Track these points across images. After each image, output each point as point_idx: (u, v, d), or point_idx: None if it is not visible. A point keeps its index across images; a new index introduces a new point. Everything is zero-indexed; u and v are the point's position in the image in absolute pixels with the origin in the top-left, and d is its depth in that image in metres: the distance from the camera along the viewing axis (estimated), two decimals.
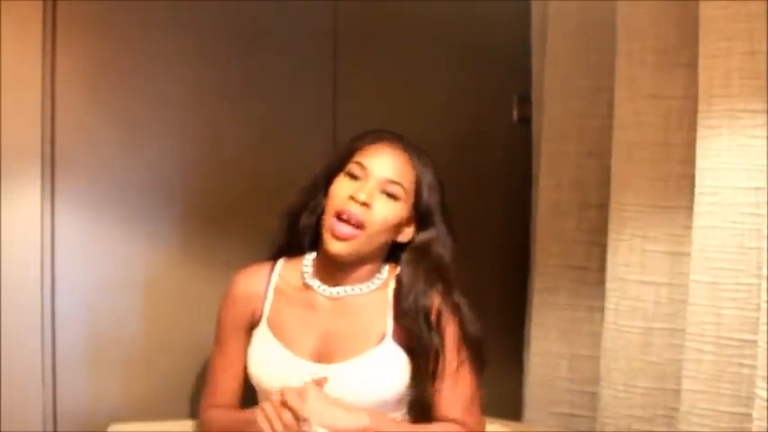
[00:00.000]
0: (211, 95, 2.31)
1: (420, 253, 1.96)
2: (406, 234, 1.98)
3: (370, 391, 1.89)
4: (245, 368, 1.99)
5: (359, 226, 1.89)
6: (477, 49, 2.55)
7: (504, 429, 2.18)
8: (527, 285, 2.50)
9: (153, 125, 2.26)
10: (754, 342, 1.82)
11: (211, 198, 2.31)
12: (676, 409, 1.99)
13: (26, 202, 2.14)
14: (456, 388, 1.92)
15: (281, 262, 2.02)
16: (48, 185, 2.15)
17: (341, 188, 1.92)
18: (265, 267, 2.02)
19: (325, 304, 1.97)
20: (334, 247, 1.90)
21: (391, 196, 1.92)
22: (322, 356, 1.93)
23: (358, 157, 1.94)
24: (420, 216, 1.97)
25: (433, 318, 1.91)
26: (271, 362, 1.94)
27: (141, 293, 2.25)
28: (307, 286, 1.98)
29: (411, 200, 1.95)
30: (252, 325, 2.00)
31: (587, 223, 2.37)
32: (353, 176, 1.92)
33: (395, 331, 1.93)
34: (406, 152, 1.96)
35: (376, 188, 1.91)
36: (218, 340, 2.04)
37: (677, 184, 2.07)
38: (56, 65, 2.15)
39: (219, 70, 2.31)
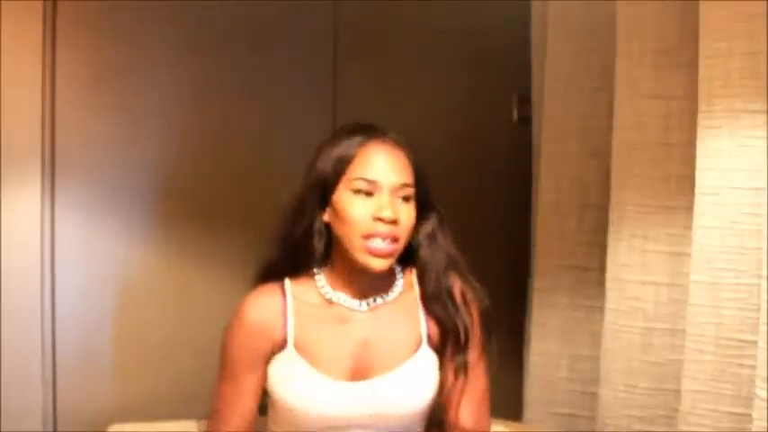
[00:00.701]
0: (211, 95, 2.31)
1: (431, 240, 1.91)
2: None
3: (413, 400, 1.85)
4: (259, 398, 1.87)
5: (394, 241, 1.82)
6: (477, 49, 2.55)
7: (504, 429, 2.18)
8: (527, 285, 2.50)
9: (153, 125, 2.26)
10: (754, 342, 1.81)
11: (211, 198, 2.31)
12: (676, 410, 1.99)
13: (26, 202, 2.14)
14: (476, 394, 1.90)
15: (287, 282, 1.89)
16: (48, 185, 2.16)
17: (359, 210, 1.81)
18: (276, 289, 1.88)
19: (357, 317, 1.88)
20: (377, 264, 1.81)
21: (406, 199, 1.85)
22: (359, 373, 1.85)
23: (359, 170, 1.82)
24: (421, 205, 1.90)
25: (458, 298, 1.89)
26: (304, 387, 1.82)
27: (141, 293, 2.25)
28: (330, 302, 1.88)
29: (414, 194, 1.88)
30: (271, 353, 1.86)
31: (587, 223, 2.37)
32: (365, 192, 1.82)
33: (429, 336, 1.89)
34: (398, 146, 1.87)
35: (393, 199, 1.83)
36: (228, 374, 1.87)
37: (677, 185, 2.07)
38: (56, 65, 2.15)
39: (219, 70, 2.31)
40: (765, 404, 1.71)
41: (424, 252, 1.91)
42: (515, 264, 2.55)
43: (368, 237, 1.80)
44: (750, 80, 1.85)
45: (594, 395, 2.24)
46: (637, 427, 2.12)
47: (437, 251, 1.91)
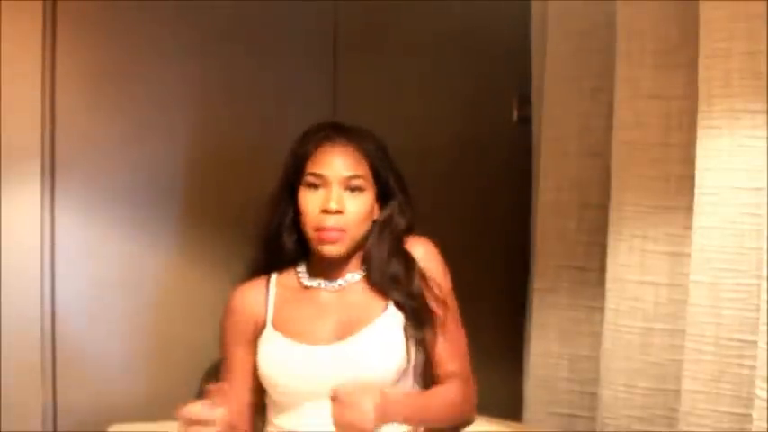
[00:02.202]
0: (211, 95, 2.31)
1: (382, 227, 2.02)
2: (375, 213, 2.02)
3: (384, 355, 1.94)
4: (254, 385, 1.99)
5: (341, 230, 1.95)
6: (478, 50, 2.55)
7: (504, 429, 2.18)
8: (527, 285, 2.50)
9: (153, 125, 2.26)
10: (754, 342, 1.81)
11: (211, 198, 2.31)
12: (676, 410, 1.99)
13: (26, 202, 2.14)
14: (452, 340, 2.01)
15: (273, 275, 2.04)
16: (48, 185, 2.16)
17: (309, 203, 1.96)
18: (261, 280, 2.04)
19: (328, 297, 2.01)
20: (328, 250, 1.96)
21: (356, 189, 1.97)
22: (333, 339, 1.96)
23: (310, 167, 1.97)
24: (381, 193, 2.02)
25: (403, 276, 1.99)
26: (284, 359, 1.96)
27: (141, 293, 2.25)
28: (307, 287, 2.02)
29: (372, 184, 2.00)
30: (256, 335, 2.00)
31: (587, 223, 2.37)
32: (315, 186, 1.96)
33: (396, 302, 1.99)
34: (350, 142, 1.99)
35: (340, 190, 1.96)
36: (223, 356, 2.03)
37: (677, 185, 2.07)
38: (56, 65, 2.15)
39: (220, 70, 2.31)
40: (765, 404, 1.71)
41: (371, 240, 2.02)
42: (515, 264, 2.55)
43: (317, 228, 1.95)
44: (750, 80, 1.85)
45: (594, 395, 2.24)
46: (637, 427, 2.12)
47: (384, 239, 2.02)
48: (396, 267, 2.01)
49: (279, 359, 1.96)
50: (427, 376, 2.02)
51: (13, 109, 2.11)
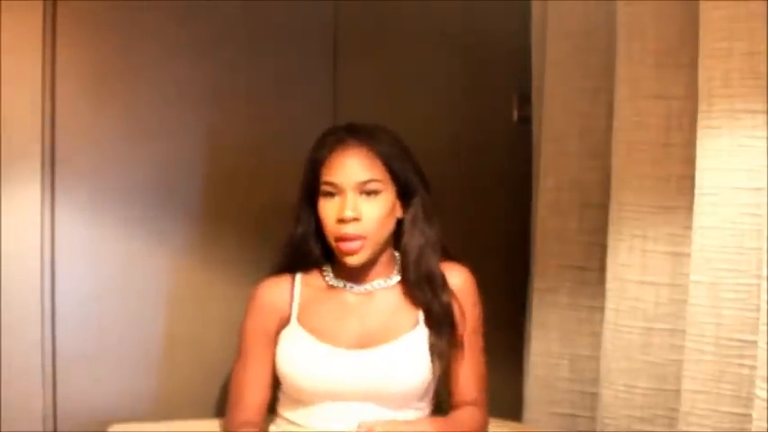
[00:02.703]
0: (211, 95, 2.31)
1: (412, 226, 2.02)
2: (398, 212, 2.03)
3: (407, 373, 1.95)
4: (271, 381, 2.01)
5: (360, 238, 1.95)
6: (477, 49, 2.55)
7: (504, 429, 2.18)
8: (527, 285, 2.50)
9: (153, 125, 2.26)
10: (754, 342, 1.81)
11: (211, 198, 2.31)
12: (676, 410, 1.99)
13: (26, 202, 2.14)
14: (475, 369, 2.05)
15: (298, 274, 2.05)
16: (48, 185, 2.16)
17: (327, 212, 1.96)
18: (286, 277, 2.05)
19: (355, 300, 2.02)
20: (351, 261, 1.97)
21: (373, 193, 1.96)
22: (357, 345, 1.97)
23: (325, 175, 1.97)
24: (402, 192, 2.01)
25: (439, 281, 2.01)
26: (306, 356, 1.96)
27: (141, 293, 2.25)
28: (332, 287, 2.03)
29: (391, 184, 1.99)
30: (279, 331, 2.01)
31: (587, 223, 2.37)
32: (331, 195, 1.96)
33: (427, 318, 2.00)
34: (363, 145, 1.98)
35: (356, 196, 1.95)
36: (243, 353, 2.03)
37: (677, 185, 2.07)
38: (56, 65, 2.15)
39: (220, 70, 2.31)
40: (765, 404, 1.71)
41: (405, 239, 2.02)
42: (515, 264, 2.55)
43: (336, 238, 1.95)
44: (750, 80, 1.85)
45: (594, 395, 2.24)
46: (637, 427, 2.12)
47: (416, 237, 2.02)
48: (432, 265, 2.00)
49: (300, 355, 1.96)
50: (431, 391, 2.03)
51: (13, 109, 2.11)
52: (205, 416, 2.24)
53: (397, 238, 2.05)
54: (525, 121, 2.57)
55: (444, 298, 2.00)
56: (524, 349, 2.49)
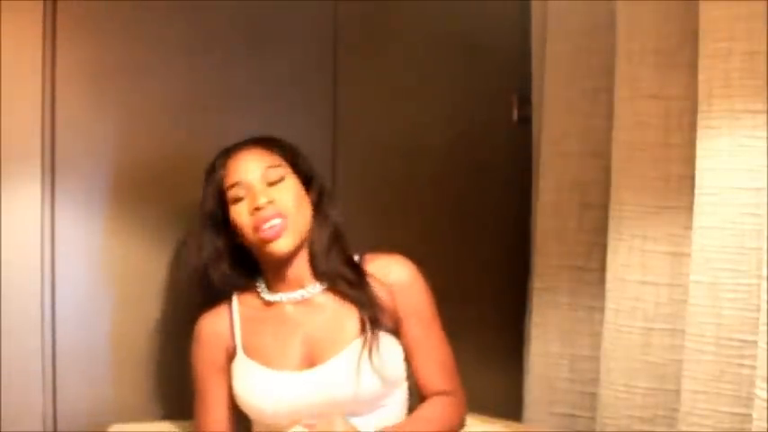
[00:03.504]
0: (212, 95, 2.31)
1: (317, 211, 2.00)
2: (307, 198, 2.00)
3: (354, 387, 1.90)
4: (228, 407, 1.99)
5: (280, 218, 1.92)
6: (477, 50, 2.55)
7: (504, 429, 2.18)
8: (527, 285, 2.50)
9: (153, 125, 2.26)
10: (754, 342, 1.82)
11: None
12: (676, 410, 1.99)
13: (26, 202, 2.14)
14: (437, 358, 1.98)
15: (234, 297, 2.03)
16: (48, 185, 2.16)
17: (239, 213, 1.94)
18: (223, 306, 2.02)
19: (294, 312, 1.98)
20: (278, 247, 1.92)
21: (278, 180, 1.95)
22: (306, 363, 1.93)
23: (227, 182, 1.96)
24: (303, 178, 2.00)
25: (352, 276, 1.96)
26: (257, 385, 1.93)
27: (142, 293, 2.25)
28: (269, 303, 2.00)
29: (291, 170, 1.98)
30: (228, 363, 1.99)
31: (587, 223, 2.37)
32: (239, 199, 1.95)
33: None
34: (254, 145, 1.99)
35: (263, 187, 1.94)
36: (199, 392, 2.02)
37: (677, 185, 2.07)
38: (56, 65, 2.15)
39: (220, 70, 2.31)
40: (765, 404, 1.71)
41: (312, 231, 1.99)
42: (515, 264, 2.55)
43: (257, 230, 1.91)
44: (750, 80, 1.85)
45: (594, 395, 2.24)
46: (637, 427, 2.12)
47: (323, 226, 1.99)
48: (338, 263, 1.96)
49: (253, 386, 1.93)
50: (398, 384, 1.98)
51: (13, 109, 2.11)
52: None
53: None
54: (525, 121, 2.57)
55: (366, 289, 1.95)
56: (524, 349, 2.49)
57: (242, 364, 1.96)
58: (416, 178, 2.49)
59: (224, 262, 2.00)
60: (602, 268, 2.22)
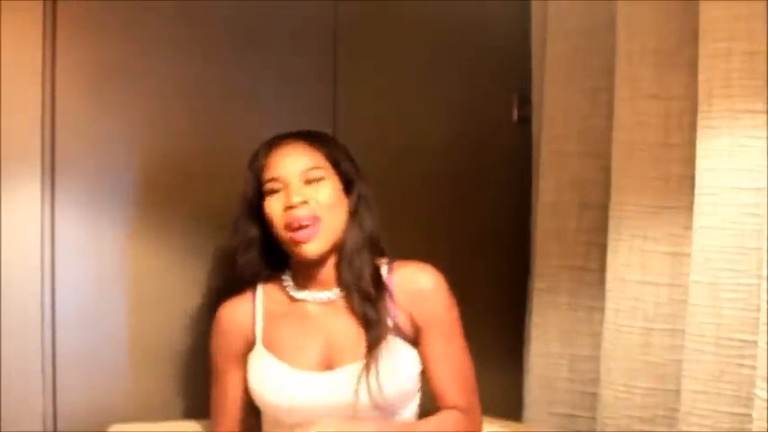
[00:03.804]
0: (212, 95, 2.31)
1: (352, 217, 1.97)
2: (345, 202, 1.98)
3: (384, 390, 1.87)
4: (244, 395, 1.98)
5: (313, 221, 1.90)
6: (478, 49, 2.55)
7: (504, 429, 2.18)
8: (527, 285, 2.50)
9: (153, 124, 2.26)
10: (754, 342, 1.82)
11: (212, 198, 2.31)
12: (676, 410, 1.99)
13: (26, 202, 2.13)
14: (454, 372, 1.95)
15: (259, 287, 2.01)
16: (48, 185, 2.15)
17: (273, 207, 1.93)
18: (247, 295, 2.01)
19: (317, 312, 1.96)
20: (308, 250, 1.91)
21: (316, 180, 1.94)
22: (325, 364, 1.92)
23: (266, 174, 1.94)
24: (344, 180, 1.98)
25: (370, 284, 1.93)
26: (273, 380, 1.91)
27: (142, 293, 2.25)
28: (294, 299, 1.98)
29: (333, 172, 1.96)
30: (246, 352, 1.98)
31: (587, 223, 2.37)
32: (276, 191, 1.93)
33: (398, 327, 1.93)
34: (300, 140, 1.97)
35: (300, 185, 1.92)
36: (216, 375, 2.02)
37: (677, 185, 2.07)
38: (56, 65, 2.15)
39: (220, 70, 2.31)
40: (765, 404, 1.71)
41: (345, 232, 1.96)
42: (515, 264, 2.55)
43: (289, 228, 1.90)
44: (750, 80, 1.85)
45: (594, 395, 2.25)
46: (637, 427, 2.12)
47: (355, 231, 1.96)
48: (360, 274, 1.92)
49: (268, 380, 1.92)
50: (414, 394, 1.96)
51: (13, 109, 2.11)
52: (205, 416, 2.24)
53: None
54: (525, 121, 2.57)
55: (378, 306, 1.91)
56: (524, 349, 2.49)
57: (259, 356, 1.95)
58: (416, 178, 2.49)
59: (253, 250, 1.98)
60: (602, 268, 2.22)
